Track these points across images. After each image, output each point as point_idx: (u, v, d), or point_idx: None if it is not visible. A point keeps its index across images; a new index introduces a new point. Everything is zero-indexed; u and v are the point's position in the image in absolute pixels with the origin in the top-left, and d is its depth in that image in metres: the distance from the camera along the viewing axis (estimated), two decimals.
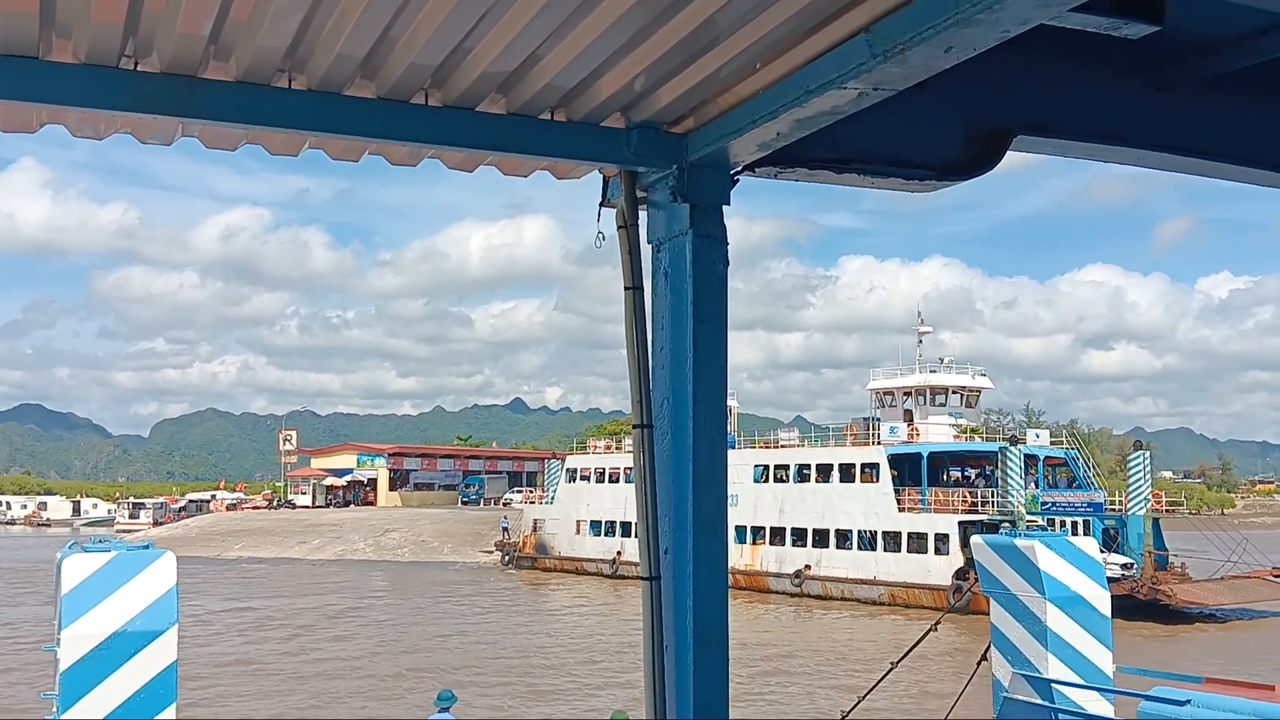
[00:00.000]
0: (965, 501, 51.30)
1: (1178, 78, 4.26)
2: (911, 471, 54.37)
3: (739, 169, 4.18)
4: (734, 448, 64.07)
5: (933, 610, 42.96)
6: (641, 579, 4.20)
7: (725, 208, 4.20)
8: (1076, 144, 4.30)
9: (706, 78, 3.83)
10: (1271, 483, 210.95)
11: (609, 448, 72.79)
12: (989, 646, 9.32)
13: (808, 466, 58.14)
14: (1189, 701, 7.82)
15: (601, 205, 4.65)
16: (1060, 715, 8.50)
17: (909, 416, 59.27)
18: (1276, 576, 47.20)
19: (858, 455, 55.91)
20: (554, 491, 72.29)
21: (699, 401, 4.03)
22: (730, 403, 77.04)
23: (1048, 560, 9.18)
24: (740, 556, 58.43)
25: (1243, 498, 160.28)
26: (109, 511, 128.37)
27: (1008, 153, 4.30)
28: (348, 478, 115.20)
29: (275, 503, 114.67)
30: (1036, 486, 53.26)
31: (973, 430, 60.88)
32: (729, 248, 4.16)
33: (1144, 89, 4.28)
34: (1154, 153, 4.37)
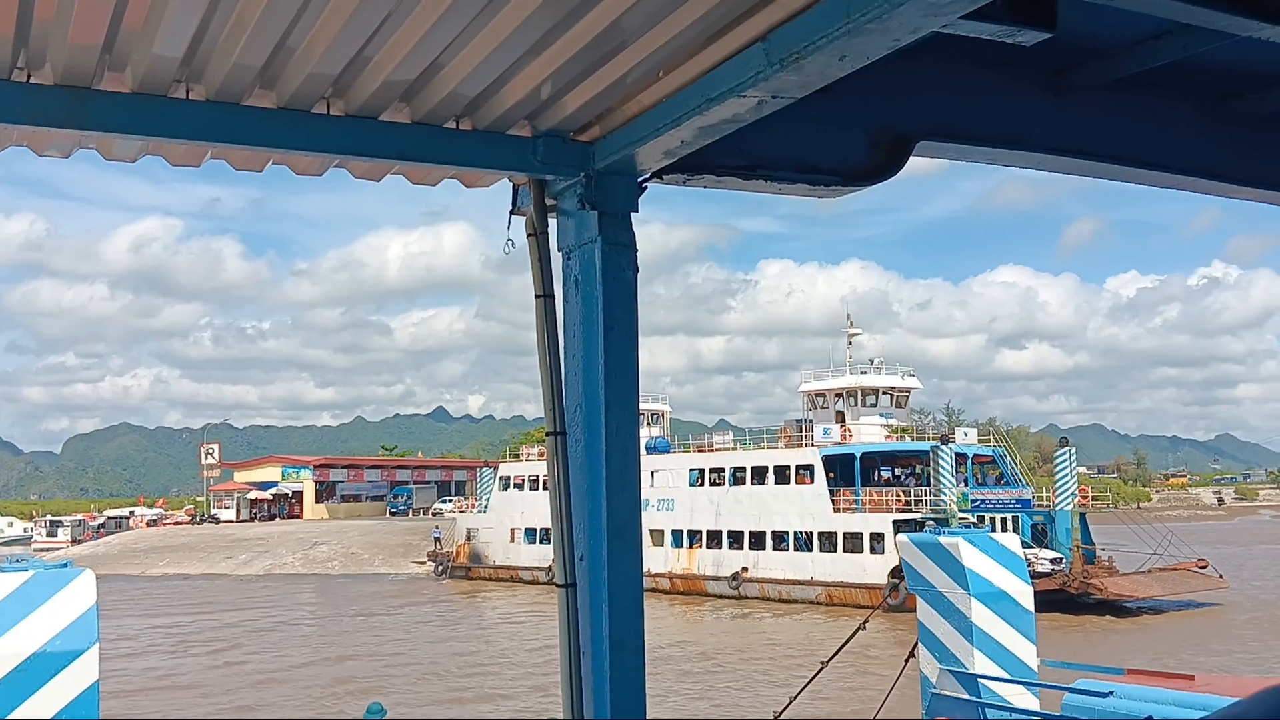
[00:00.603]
0: (899, 501, 52.04)
1: (1076, 82, 4.34)
2: (845, 472, 54.97)
3: (646, 176, 4.19)
4: (669, 452, 64.31)
5: (870, 609, 43.37)
6: (557, 586, 4.22)
7: (634, 214, 4.22)
8: (978, 148, 4.36)
9: (611, 85, 3.84)
10: (1183, 476, 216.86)
11: (542, 454, 72.35)
12: (916, 643, 9.45)
13: (743, 469, 58.53)
14: (1111, 693, 7.99)
15: (511, 213, 4.64)
16: (987, 710, 8.62)
17: (841, 418, 59.92)
18: (1201, 568, 48.47)
19: (792, 457, 56.41)
20: (487, 500, 71.85)
21: (611, 408, 4.04)
22: (663, 408, 77.91)
23: (971, 557, 9.32)
24: (677, 560, 58.64)
25: (1157, 491, 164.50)
26: (25, 530, 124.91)
27: (911, 158, 4.36)
28: (272, 491, 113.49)
29: (198, 518, 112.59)
30: (966, 484, 54.14)
31: (903, 430, 61.74)
32: (639, 254, 4.18)
33: (1043, 93, 4.36)
34: (1053, 156, 4.45)
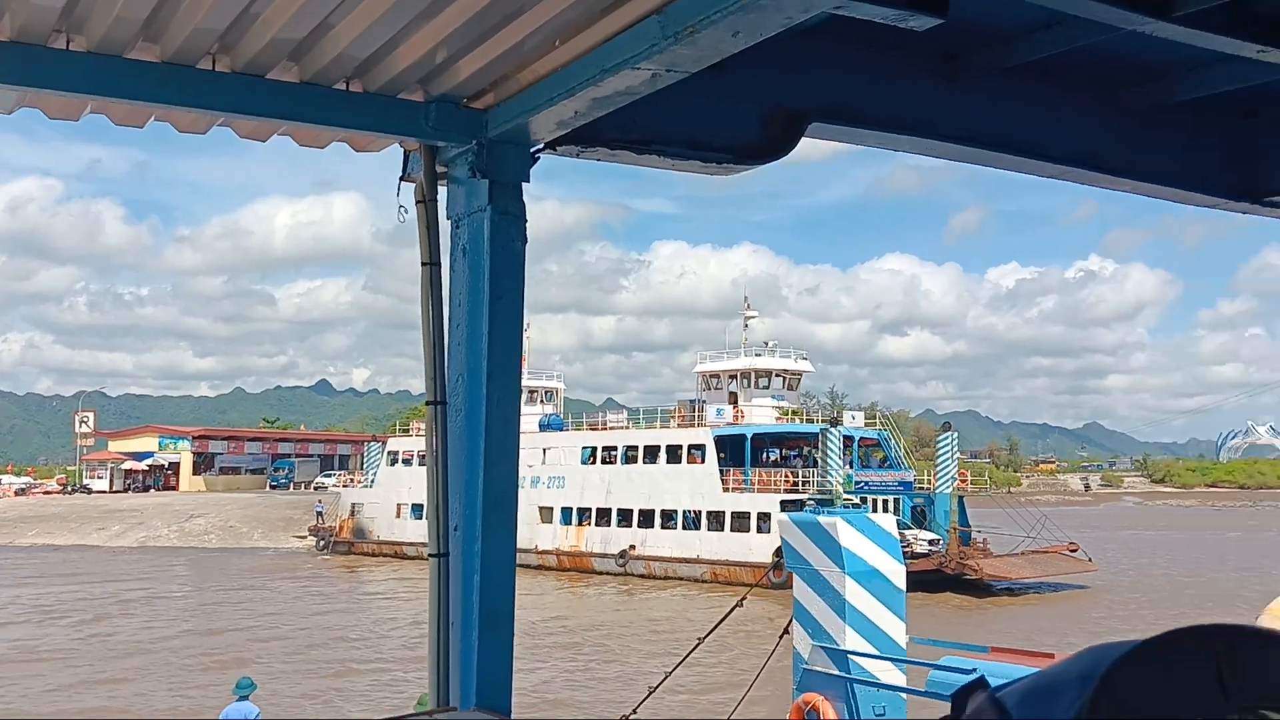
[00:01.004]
0: (787, 481, 52.86)
1: (968, 69, 4.41)
2: (735, 452, 55.67)
3: (539, 147, 4.16)
4: (563, 429, 64.29)
5: (755, 587, 43.93)
6: (429, 556, 4.19)
7: (526, 185, 4.19)
8: (869, 132, 4.40)
9: (506, 53, 3.79)
10: (1052, 462, 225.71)
11: None
12: (791, 620, 9.64)
13: (635, 448, 58.84)
14: (974, 670, 8.26)
15: (401, 180, 4.56)
16: (855, 685, 8.84)
17: (734, 399, 60.64)
18: (1072, 551, 50.41)
19: (684, 437, 56.89)
20: (374, 474, 70.89)
21: (493, 378, 4.02)
22: (558, 385, 77.76)
23: (849, 536, 9.54)
24: (565, 538, 58.74)
25: (1028, 477, 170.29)
26: None
27: (807, 140, 4.39)
28: (148, 461, 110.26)
29: (70, 488, 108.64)
30: (852, 466, 55.26)
31: (793, 412, 62.76)
32: (528, 225, 4.15)
33: (935, 79, 4.42)
34: (944, 143, 4.51)
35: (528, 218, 4.14)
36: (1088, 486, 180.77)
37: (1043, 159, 4.66)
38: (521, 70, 3.88)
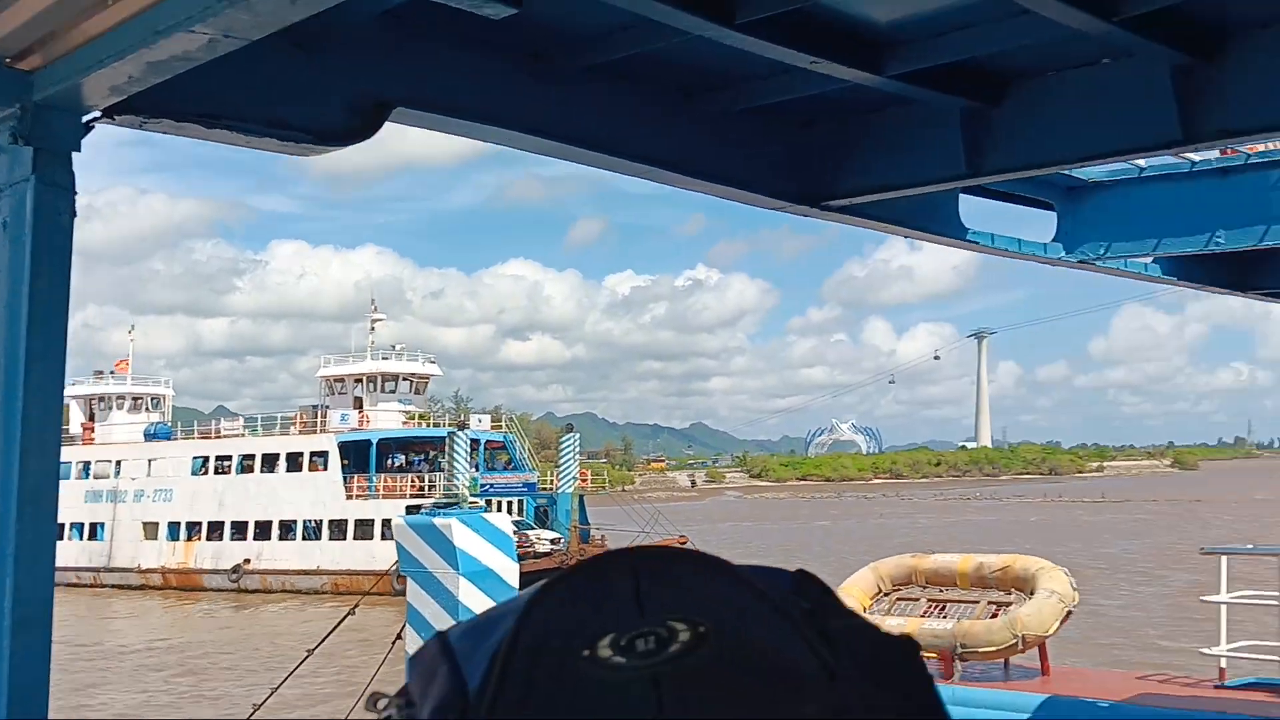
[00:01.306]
0: (414, 486, 52.39)
1: (550, 66, 4.53)
2: (360, 459, 54.50)
3: (96, 115, 3.82)
4: (171, 438, 60.32)
5: (376, 595, 43.18)
6: None
7: (77, 155, 3.83)
8: (456, 121, 4.43)
9: (52, 8, 3.44)
10: (662, 461, 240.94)
11: None
12: (404, 626, 9.52)
13: (252, 457, 56.22)
14: None
15: None
16: None
17: (359, 403, 59.34)
18: (683, 543, 53.58)
19: (306, 444, 55.04)
20: None
21: (33, 363, 3.65)
22: (165, 391, 72.57)
23: (463, 537, 9.57)
24: (172, 554, 55.11)
25: (641, 474, 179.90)
26: None
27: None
28: None
29: None
30: (478, 469, 55.68)
31: (420, 416, 62.34)
32: (77, 198, 3.80)
33: (520, 74, 4.51)
34: (527, 135, 4.61)
35: (78, 191, 3.79)
36: (694, 482, 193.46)
37: (620, 156, 4.87)
38: (72, 29, 3.54)
